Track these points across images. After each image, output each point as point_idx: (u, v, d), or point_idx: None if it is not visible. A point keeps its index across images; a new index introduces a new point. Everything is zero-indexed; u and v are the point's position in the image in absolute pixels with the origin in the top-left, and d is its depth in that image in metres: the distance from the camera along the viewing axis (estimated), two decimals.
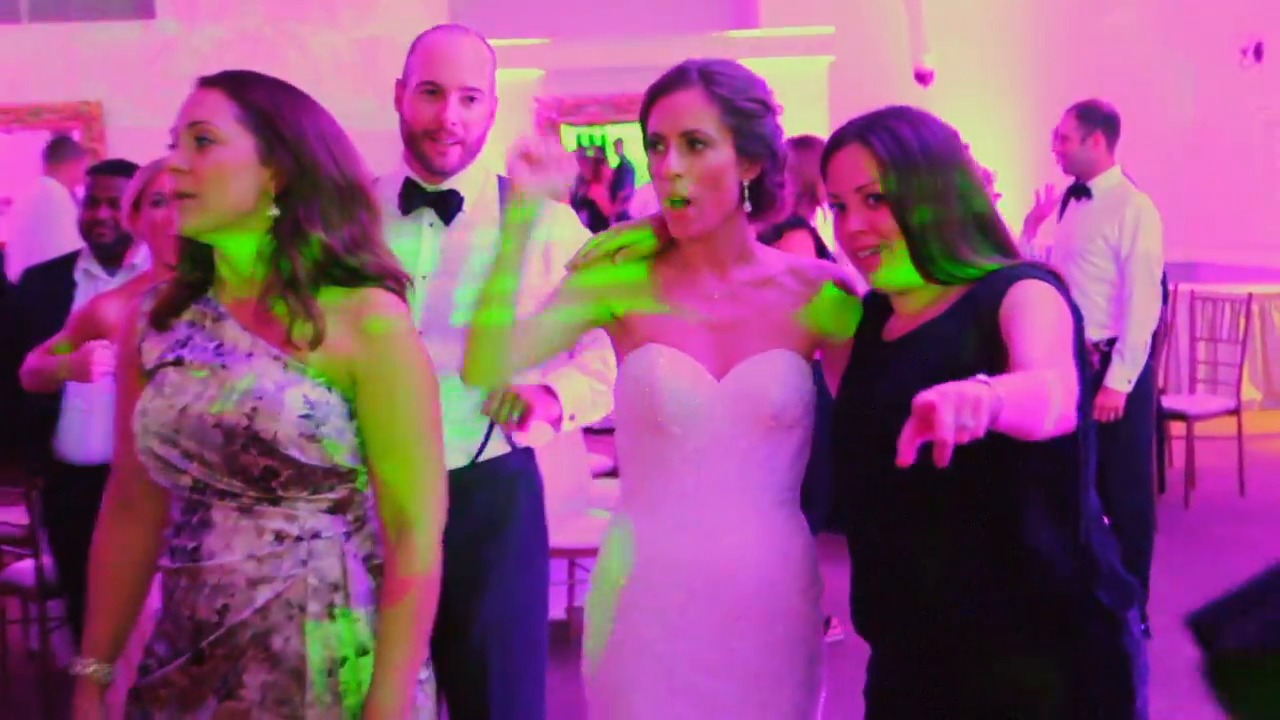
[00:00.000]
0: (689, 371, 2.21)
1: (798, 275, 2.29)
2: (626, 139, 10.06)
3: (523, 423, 2.63)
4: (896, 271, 2.08)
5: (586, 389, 2.73)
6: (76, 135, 8.14)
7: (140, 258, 4.04)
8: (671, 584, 2.21)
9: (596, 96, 8.36)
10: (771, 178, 2.24)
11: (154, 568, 2.08)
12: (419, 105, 2.73)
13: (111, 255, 4.08)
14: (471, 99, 2.71)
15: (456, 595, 2.69)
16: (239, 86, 2.02)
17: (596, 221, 9.10)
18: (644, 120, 2.26)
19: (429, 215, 2.79)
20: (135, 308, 2.12)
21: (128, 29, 8.34)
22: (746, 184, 2.22)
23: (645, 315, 2.26)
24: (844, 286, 2.29)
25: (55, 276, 4.10)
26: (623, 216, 9.14)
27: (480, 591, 2.74)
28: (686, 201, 2.20)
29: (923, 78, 8.24)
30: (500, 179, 2.86)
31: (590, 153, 9.70)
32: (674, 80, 2.22)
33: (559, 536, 3.23)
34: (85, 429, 3.88)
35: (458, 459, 2.69)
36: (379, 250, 2.06)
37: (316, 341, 1.99)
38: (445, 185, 2.79)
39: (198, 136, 1.99)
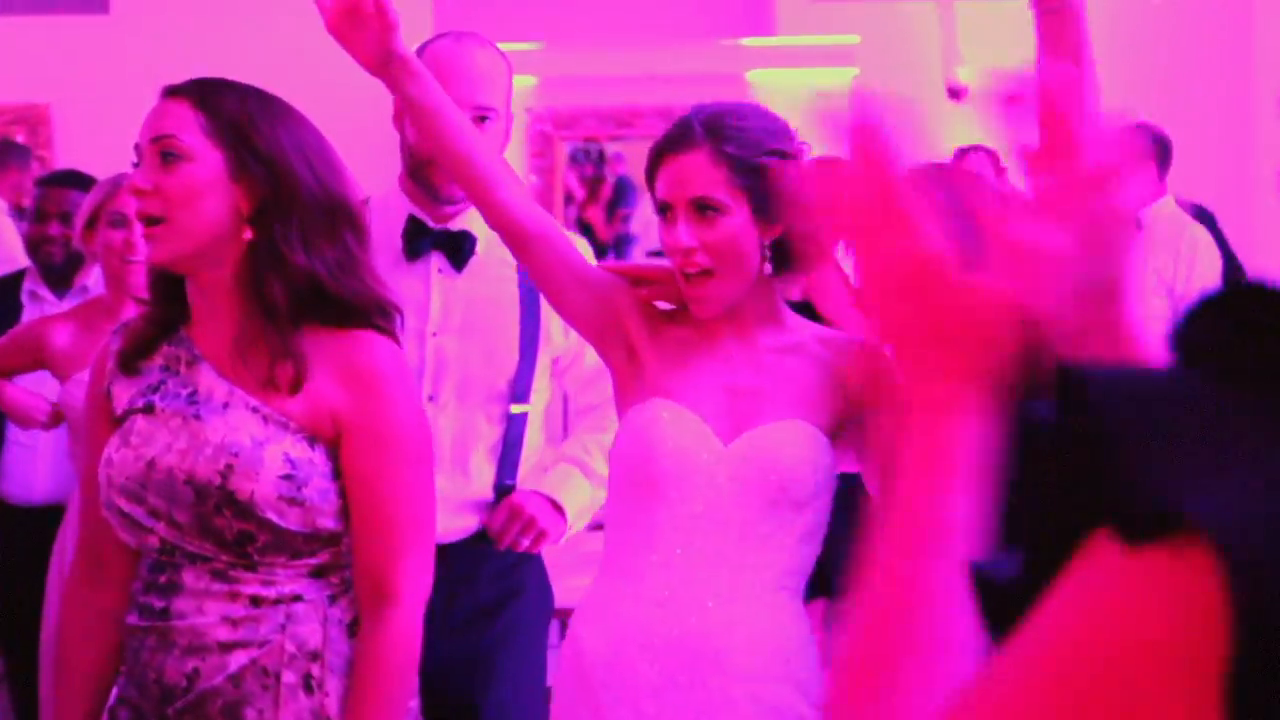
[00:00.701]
0: (694, 431, 2.20)
1: (828, 345, 2.29)
2: (626, 154, 10.10)
3: (534, 546, 2.69)
4: None
5: (589, 499, 2.77)
6: (21, 141, 8.16)
7: (93, 280, 4.06)
8: (647, 663, 2.18)
9: (595, 108, 8.38)
10: (798, 233, 2.21)
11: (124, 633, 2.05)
12: None
13: (61, 276, 4.10)
14: (484, 118, 2.65)
15: (468, 670, 2.72)
16: (206, 95, 2.01)
17: (594, 248, 9.07)
18: (650, 181, 2.25)
19: (437, 260, 2.73)
20: (105, 347, 2.11)
21: (79, 24, 8.38)
22: (768, 245, 2.21)
23: (657, 367, 2.25)
24: (879, 359, 2.27)
25: None
26: (623, 238, 9.17)
27: (492, 667, 2.75)
28: (702, 274, 2.19)
29: (956, 93, 8.27)
30: None
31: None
32: (678, 139, 2.21)
33: None
34: (29, 467, 3.89)
35: (468, 528, 2.74)
36: (367, 277, 2.04)
37: (298, 385, 1.96)
38: (455, 225, 2.73)
39: (163, 152, 1.97)
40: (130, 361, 2.05)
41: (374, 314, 2.04)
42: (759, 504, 2.19)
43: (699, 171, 2.19)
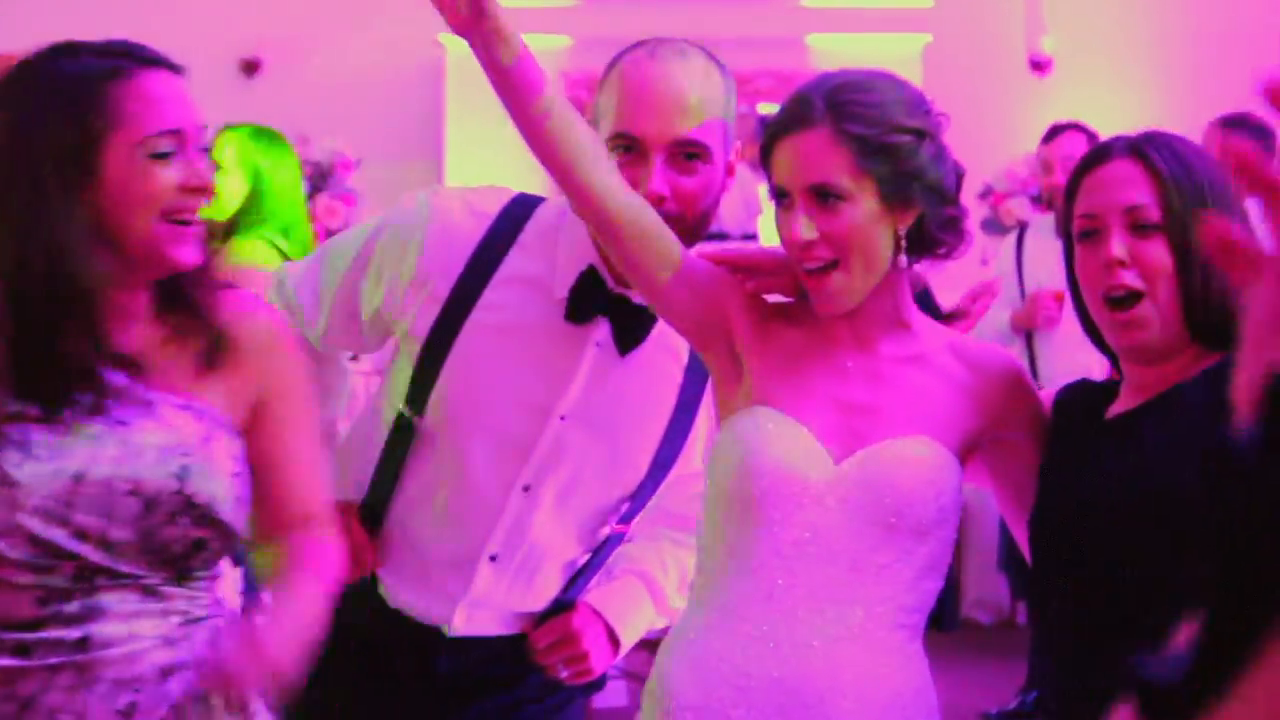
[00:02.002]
0: (803, 446, 2.14)
1: (960, 356, 2.23)
2: None
3: (574, 679, 2.56)
4: (1154, 324, 2.06)
5: (645, 626, 2.62)
6: None
7: None
8: (742, 709, 2.12)
9: None
10: (936, 217, 2.15)
11: None
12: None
13: None
14: (692, 155, 2.32)
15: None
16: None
17: None
18: (765, 165, 2.17)
19: (601, 332, 2.42)
20: None
21: None
22: (903, 232, 2.14)
23: (763, 372, 2.19)
24: (1018, 375, 2.25)
25: None
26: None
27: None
28: (825, 268, 2.12)
29: (1039, 65, 8.22)
30: None
31: None
32: (795, 116, 2.13)
33: None
34: None
35: (506, 631, 2.62)
36: None
37: (216, 362, 2.02)
38: (639, 295, 2.35)
39: (203, 148, 2.05)
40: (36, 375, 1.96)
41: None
42: (874, 531, 2.12)
43: (819, 154, 2.11)
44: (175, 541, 1.92)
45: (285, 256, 4.36)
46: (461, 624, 2.55)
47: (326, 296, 2.53)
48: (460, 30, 2.08)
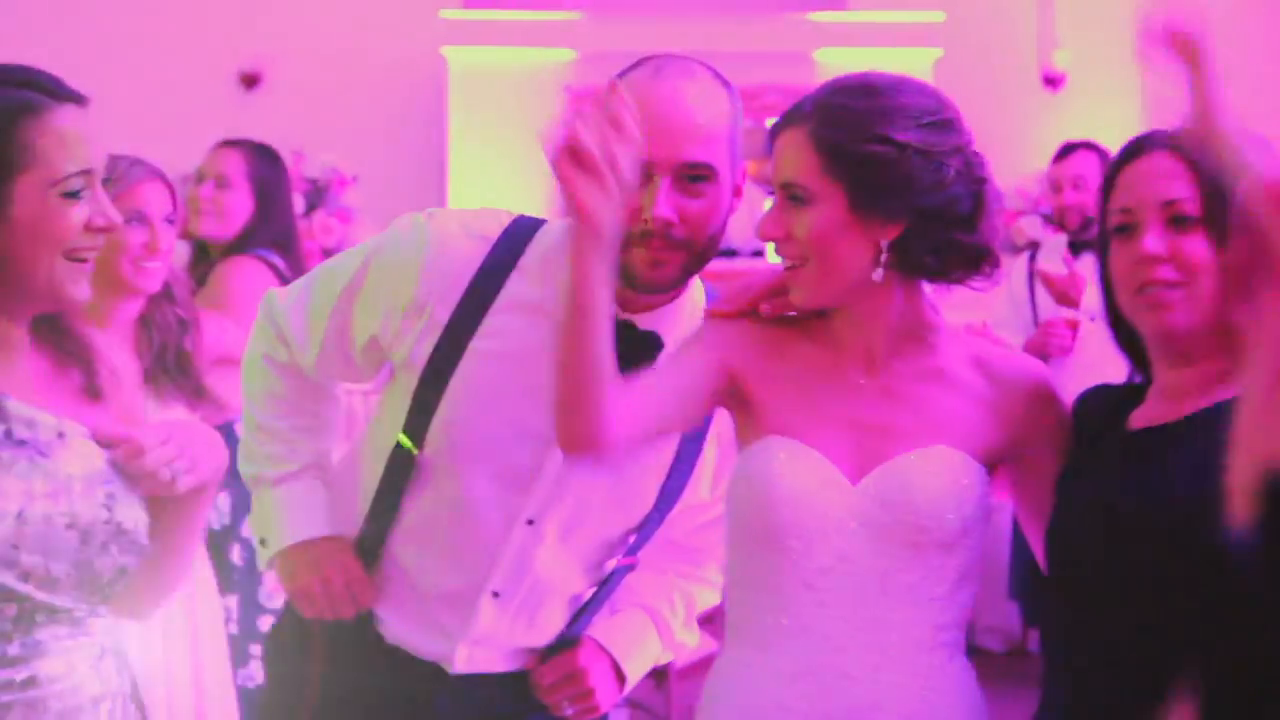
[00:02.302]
0: (816, 470, 2.12)
1: (983, 369, 2.20)
2: None
3: (579, 716, 2.53)
4: (1188, 308, 2.03)
5: (653, 662, 2.60)
6: None
7: None
8: None
9: None
10: (925, 237, 2.10)
11: None
12: None
13: None
14: (699, 177, 2.26)
15: None
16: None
17: None
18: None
19: None
20: None
21: None
22: (885, 245, 2.11)
23: (775, 400, 2.17)
24: (1044, 388, 2.22)
25: None
26: None
27: None
28: (794, 266, 2.13)
29: (1052, 80, 8.21)
30: (709, 288, 2.48)
31: None
32: (788, 114, 2.16)
33: None
34: None
35: (508, 668, 2.59)
36: None
37: (98, 394, 2.05)
38: (645, 321, 2.35)
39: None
40: None
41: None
42: (899, 550, 2.10)
43: (791, 153, 2.12)
44: (107, 569, 1.94)
45: (280, 276, 4.34)
46: (463, 662, 2.52)
47: (318, 324, 2.48)
48: (588, 223, 1.97)
